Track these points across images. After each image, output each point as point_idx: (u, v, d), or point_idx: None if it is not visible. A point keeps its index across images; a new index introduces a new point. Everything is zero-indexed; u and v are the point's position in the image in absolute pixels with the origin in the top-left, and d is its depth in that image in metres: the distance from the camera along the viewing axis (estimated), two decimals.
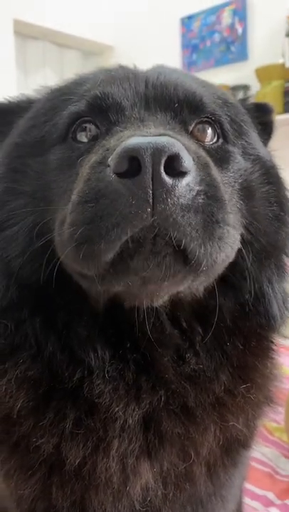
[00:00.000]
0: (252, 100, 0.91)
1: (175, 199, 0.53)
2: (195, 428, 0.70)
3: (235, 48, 4.10)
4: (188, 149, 0.56)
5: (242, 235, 0.69)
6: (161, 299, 0.66)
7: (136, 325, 0.67)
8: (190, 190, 0.54)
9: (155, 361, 0.69)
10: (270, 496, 1.35)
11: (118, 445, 0.67)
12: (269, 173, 0.77)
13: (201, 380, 0.70)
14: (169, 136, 0.55)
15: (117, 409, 0.66)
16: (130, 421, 0.66)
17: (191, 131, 0.70)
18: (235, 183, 0.70)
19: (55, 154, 0.71)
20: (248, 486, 1.36)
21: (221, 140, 0.72)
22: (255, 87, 3.83)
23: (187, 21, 4.39)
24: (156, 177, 0.51)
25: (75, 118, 0.70)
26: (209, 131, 0.71)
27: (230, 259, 0.64)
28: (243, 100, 0.89)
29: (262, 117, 0.88)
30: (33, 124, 0.76)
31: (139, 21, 4.75)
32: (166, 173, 0.52)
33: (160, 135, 0.55)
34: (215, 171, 0.61)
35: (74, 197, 0.59)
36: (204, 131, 0.71)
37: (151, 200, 0.52)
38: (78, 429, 0.67)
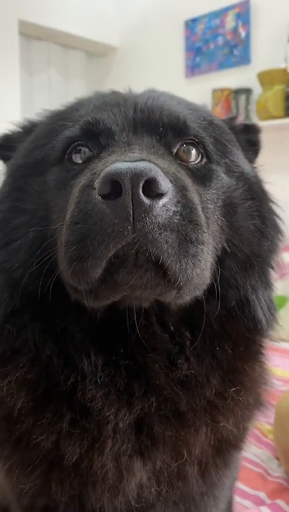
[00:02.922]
0: (242, 118, 0.96)
1: (153, 218, 0.58)
2: (186, 430, 0.74)
3: (238, 51, 4.11)
4: (166, 173, 0.62)
5: (224, 248, 0.75)
6: (148, 301, 0.71)
7: (128, 328, 0.72)
8: (166, 210, 0.60)
9: (147, 367, 0.73)
10: (262, 495, 1.38)
11: (112, 445, 0.71)
12: (252, 189, 0.82)
13: (192, 384, 0.74)
14: (149, 161, 0.61)
15: (108, 413, 0.70)
16: (121, 424, 0.71)
17: (176, 153, 0.75)
18: (218, 199, 0.75)
19: (52, 174, 0.77)
20: (240, 485, 1.39)
21: (204, 159, 0.77)
22: (257, 90, 3.86)
23: (191, 24, 4.41)
24: (135, 198, 0.57)
25: (70, 142, 0.76)
26: (193, 151, 0.76)
27: (207, 275, 0.69)
28: (231, 119, 0.94)
29: (250, 137, 0.94)
30: (34, 147, 0.82)
31: (143, 23, 4.77)
32: (146, 194, 0.58)
33: (140, 160, 0.60)
34: (192, 193, 0.66)
35: (67, 218, 0.65)
36: (188, 152, 0.76)
37: (131, 219, 0.58)
38: (74, 428, 0.71)
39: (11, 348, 0.75)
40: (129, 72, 4.90)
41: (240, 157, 0.84)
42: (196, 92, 4.31)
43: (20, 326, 0.74)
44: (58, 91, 4.85)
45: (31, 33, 4.54)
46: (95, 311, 0.73)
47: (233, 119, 0.94)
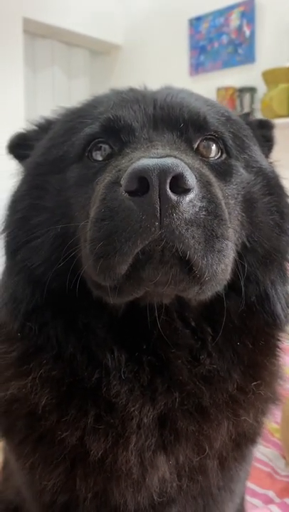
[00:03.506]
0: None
1: (180, 214, 0.58)
2: (209, 425, 0.75)
3: (242, 50, 4.11)
4: (191, 168, 0.61)
5: (245, 243, 0.75)
6: (169, 297, 0.71)
7: (150, 325, 0.72)
8: (193, 205, 0.60)
9: (170, 363, 0.73)
10: (270, 494, 1.39)
11: (136, 440, 0.71)
12: (270, 184, 0.82)
13: (215, 379, 0.75)
14: (174, 157, 0.60)
15: (132, 409, 0.71)
16: (145, 420, 0.71)
17: (197, 148, 0.75)
18: (238, 194, 0.75)
19: (73, 172, 0.77)
20: (249, 484, 1.40)
21: (224, 155, 0.77)
22: (261, 89, 3.85)
23: (195, 22, 4.40)
24: (162, 194, 0.57)
25: (90, 139, 0.76)
26: (213, 147, 0.76)
27: (229, 270, 0.69)
28: (246, 115, 0.94)
29: (265, 132, 0.95)
30: (52, 144, 0.82)
31: (147, 21, 4.77)
32: (172, 190, 0.58)
33: (166, 156, 0.60)
34: (216, 188, 0.66)
35: (92, 215, 0.65)
36: (209, 148, 0.76)
37: (158, 215, 0.58)
38: (99, 424, 0.71)
39: (33, 345, 0.75)
40: (133, 70, 4.89)
41: (257, 152, 0.84)
42: (201, 91, 4.23)
43: (42, 323, 0.74)
44: (62, 89, 4.85)
45: (35, 31, 4.54)
46: (116, 308, 0.73)
47: (247, 114, 0.94)
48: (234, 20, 4.15)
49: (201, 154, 0.75)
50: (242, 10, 4.09)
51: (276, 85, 3.65)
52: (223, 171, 0.75)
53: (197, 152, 0.75)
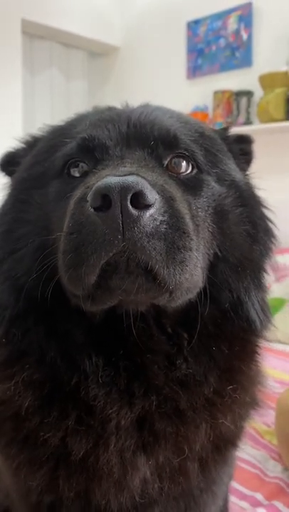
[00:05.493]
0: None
1: (141, 227, 0.63)
2: (187, 427, 0.77)
3: (240, 53, 4.13)
4: (153, 185, 0.66)
5: (216, 253, 0.79)
6: (144, 305, 0.74)
7: (126, 331, 0.75)
8: (154, 220, 0.64)
9: (146, 368, 0.76)
10: (259, 496, 1.39)
11: (115, 441, 0.74)
12: (243, 196, 0.86)
13: (191, 383, 0.77)
14: (137, 174, 0.65)
15: (110, 411, 0.74)
16: (123, 422, 0.74)
17: (167, 165, 0.79)
18: (208, 207, 0.79)
19: (52, 187, 0.82)
20: (237, 486, 1.41)
21: (195, 170, 0.81)
22: (258, 93, 3.87)
23: (193, 25, 4.42)
24: (124, 210, 0.62)
25: (68, 158, 0.81)
26: (184, 163, 0.80)
27: (199, 279, 0.73)
28: (224, 130, 0.98)
29: (243, 146, 0.98)
30: (36, 161, 0.87)
31: (145, 23, 4.78)
32: (134, 206, 0.62)
33: (129, 174, 0.65)
34: (179, 203, 0.70)
35: (64, 228, 0.69)
36: (179, 164, 0.80)
37: (121, 229, 0.62)
38: (80, 425, 0.74)
39: (17, 350, 0.78)
40: (131, 72, 4.91)
41: (231, 166, 0.88)
42: (198, 94, 4.33)
43: (25, 329, 0.78)
44: (60, 90, 4.86)
45: (34, 32, 4.55)
46: (94, 315, 0.76)
47: (226, 129, 0.98)
48: (232, 24, 4.17)
49: (171, 170, 0.79)
50: (240, 14, 4.11)
51: (273, 89, 3.67)
52: (193, 186, 0.79)
53: (167, 168, 0.79)
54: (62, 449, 0.75)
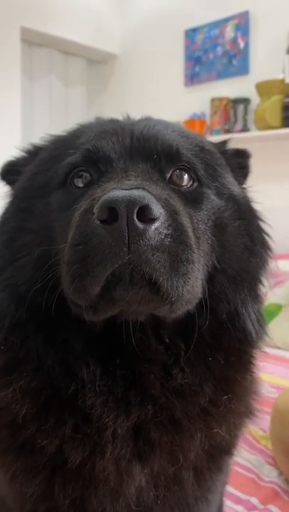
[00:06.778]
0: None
1: (146, 240, 0.64)
2: (182, 436, 0.78)
3: (237, 61, 4.17)
4: (158, 199, 0.67)
5: (215, 265, 0.80)
6: (144, 315, 0.75)
7: (125, 340, 0.76)
8: (159, 233, 0.65)
9: (143, 377, 0.77)
10: (254, 500, 1.40)
11: (112, 449, 0.75)
12: (241, 209, 0.87)
13: (187, 393, 0.78)
14: (143, 188, 0.66)
15: (107, 419, 0.74)
16: (120, 430, 0.75)
17: (169, 178, 0.81)
18: (208, 220, 0.80)
19: (56, 197, 0.82)
20: (232, 490, 1.41)
21: (196, 183, 0.82)
22: (255, 100, 3.91)
23: (191, 33, 4.46)
24: (130, 223, 0.63)
25: (72, 167, 0.81)
26: (186, 176, 0.81)
27: (198, 290, 0.74)
28: (223, 143, 0.99)
29: (241, 160, 1.00)
30: (39, 170, 0.88)
31: (144, 32, 4.83)
32: (139, 219, 0.63)
33: (135, 188, 0.66)
34: (182, 216, 0.71)
35: (69, 239, 0.70)
36: (181, 177, 0.81)
37: (127, 241, 0.63)
38: (77, 433, 0.75)
39: (15, 358, 0.79)
40: (129, 79, 4.96)
41: (230, 179, 0.89)
42: (195, 101, 4.37)
43: (24, 337, 0.79)
44: (59, 97, 4.88)
45: (33, 40, 4.58)
46: (94, 324, 0.76)
47: (224, 142, 1.00)
48: (229, 32, 4.21)
49: (173, 183, 0.80)
50: (236, 22, 4.15)
51: (269, 97, 3.70)
52: (194, 199, 0.80)
53: (170, 181, 0.80)
54: (59, 457, 0.75)
